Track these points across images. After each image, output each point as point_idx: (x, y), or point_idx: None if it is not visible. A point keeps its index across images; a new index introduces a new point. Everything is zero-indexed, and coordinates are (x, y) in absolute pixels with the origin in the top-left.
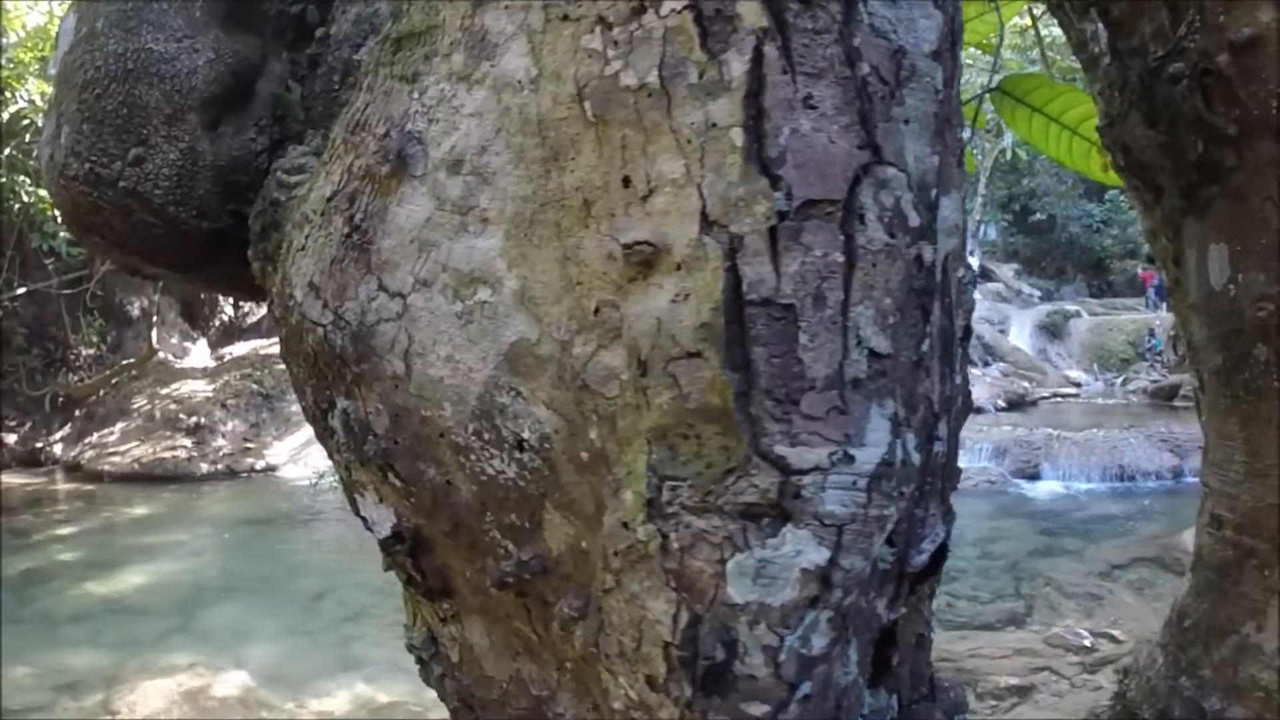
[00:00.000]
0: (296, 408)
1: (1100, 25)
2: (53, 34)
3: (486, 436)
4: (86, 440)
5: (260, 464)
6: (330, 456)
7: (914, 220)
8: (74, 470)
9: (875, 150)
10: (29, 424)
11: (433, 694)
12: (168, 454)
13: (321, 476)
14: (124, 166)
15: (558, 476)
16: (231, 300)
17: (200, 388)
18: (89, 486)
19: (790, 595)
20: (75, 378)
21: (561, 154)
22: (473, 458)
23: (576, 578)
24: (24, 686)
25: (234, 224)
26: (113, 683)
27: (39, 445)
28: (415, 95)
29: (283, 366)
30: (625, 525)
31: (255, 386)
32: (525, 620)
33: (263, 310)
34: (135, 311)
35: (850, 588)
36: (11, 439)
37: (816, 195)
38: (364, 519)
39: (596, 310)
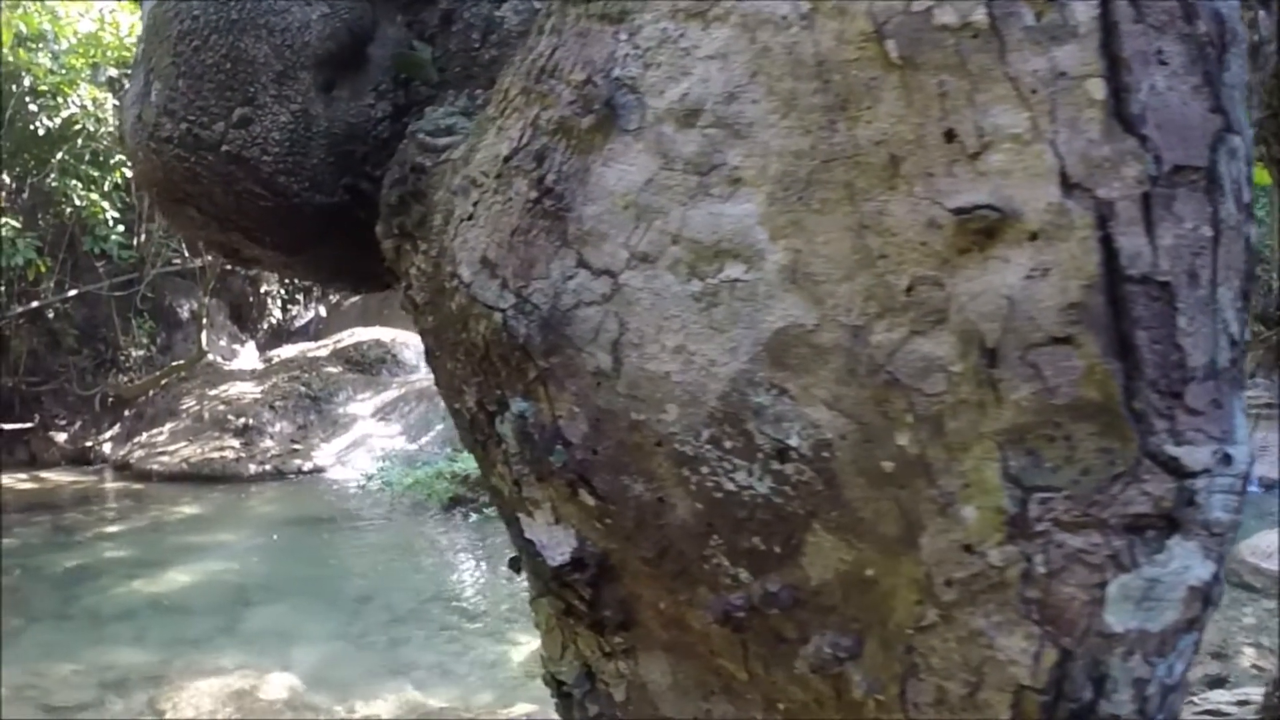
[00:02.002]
0: (344, 410)
1: (1262, 11)
2: (104, 41)
3: (729, 445)
4: (135, 440)
5: (307, 465)
6: (487, 469)
7: (1246, 196)
8: (123, 469)
9: (1225, 116)
10: (79, 423)
11: (482, 699)
12: (216, 454)
13: (370, 479)
14: (227, 128)
15: (837, 492)
16: (280, 303)
17: (248, 389)
18: (137, 485)
19: (1172, 618)
20: (125, 378)
21: (853, 101)
22: (704, 470)
23: (844, 611)
24: (71, 683)
25: (348, 200)
26: (159, 682)
27: (88, 444)
28: (623, 36)
29: (332, 369)
30: (968, 549)
31: (303, 389)
32: (738, 658)
33: (310, 314)
34: (185, 314)
35: (1217, 603)
36: (61, 438)
37: (1181, 160)
38: (529, 542)
39: (909, 288)
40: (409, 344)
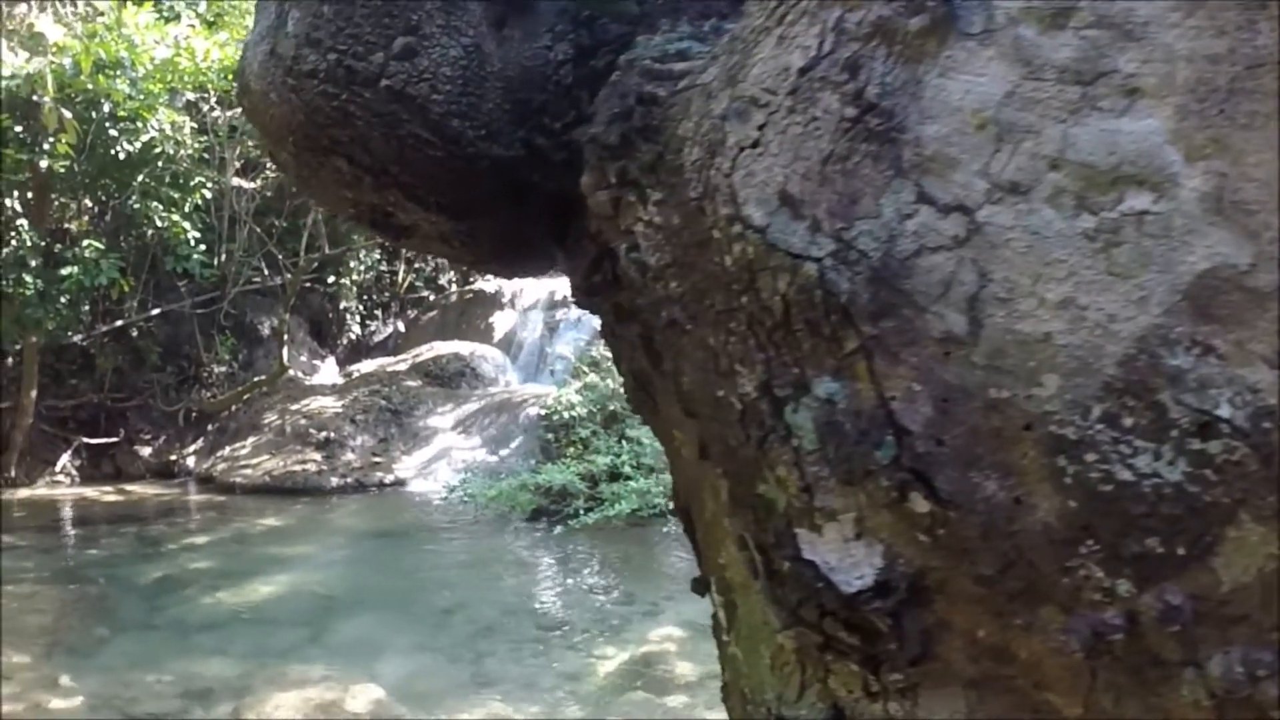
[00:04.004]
0: (425, 423)
1: None
2: (180, 66)
3: (1129, 422)
4: (219, 453)
5: (389, 478)
6: (757, 474)
7: None
8: (206, 482)
9: None
10: (163, 437)
11: (568, 712)
12: (298, 467)
13: (452, 491)
14: (387, 60)
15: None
16: (359, 319)
17: (329, 403)
18: (221, 498)
19: None
20: (208, 394)
21: None
22: (1089, 458)
23: (1260, 620)
24: (155, 693)
25: (525, 156)
26: (243, 692)
27: (173, 458)
28: None
29: (412, 383)
30: None
31: (383, 402)
32: (1077, 690)
33: (389, 329)
34: (265, 330)
35: None
36: (146, 451)
37: None
38: (807, 564)
39: None
40: (487, 357)
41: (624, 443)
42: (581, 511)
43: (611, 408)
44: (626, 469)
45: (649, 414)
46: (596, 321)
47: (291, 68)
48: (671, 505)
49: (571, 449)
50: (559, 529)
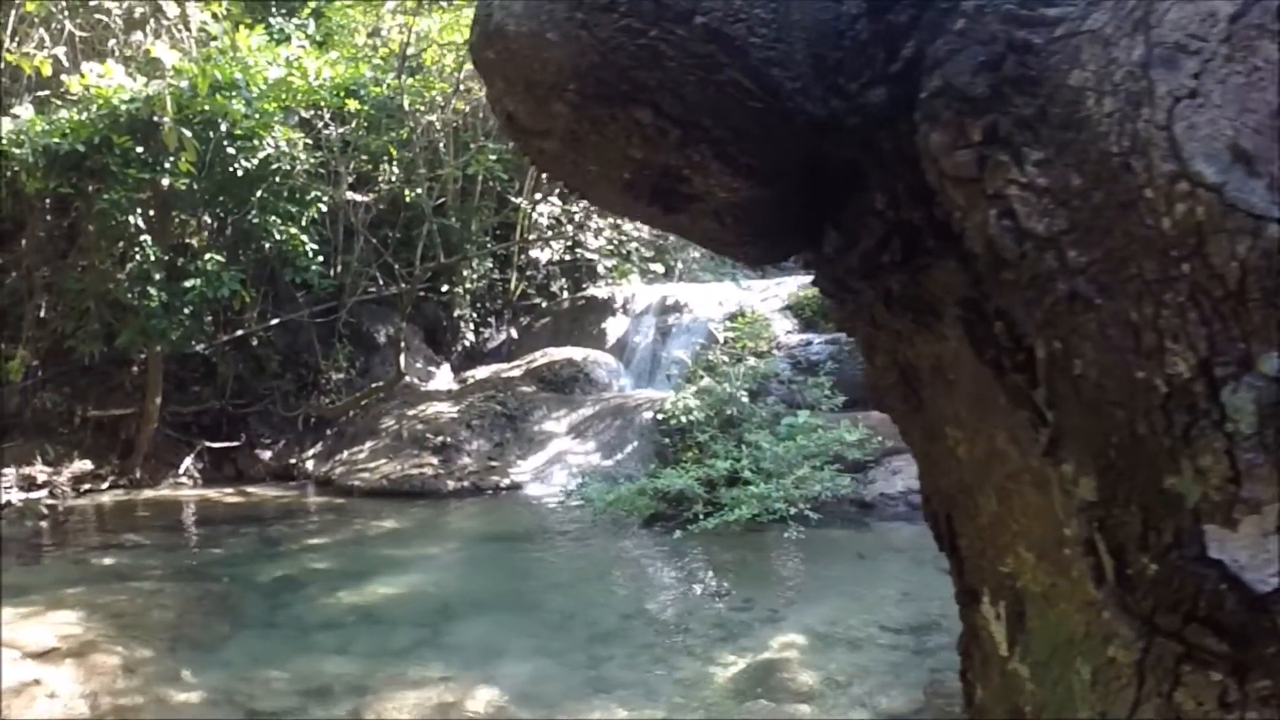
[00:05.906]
0: (539, 427)
1: None
2: (293, 86)
3: None
4: (337, 457)
5: (505, 482)
6: (1170, 465)
7: None
8: (325, 485)
9: None
10: (283, 442)
11: (690, 718)
12: (415, 471)
13: (568, 494)
14: None
15: None
16: (472, 326)
17: (445, 409)
18: (339, 500)
19: None
20: (326, 400)
21: None
22: None
23: None
24: (275, 690)
25: (826, 118)
26: (363, 691)
27: (292, 461)
28: None
29: (526, 388)
30: None
31: (498, 407)
32: None
33: (502, 336)
34: (382, 338)
35: None
36: (266, 455)
37: None
38: (1211, 565)
39: None
40: (600, 362)
41: (743, 447)
42: (700, 516)
43: (729, 412)
44: (746, 474)
45: (907, 412)
46: (711, 325)
47: (582, 1)
48: (793, 510)
49: (689, 453)
50: (677, 534)
